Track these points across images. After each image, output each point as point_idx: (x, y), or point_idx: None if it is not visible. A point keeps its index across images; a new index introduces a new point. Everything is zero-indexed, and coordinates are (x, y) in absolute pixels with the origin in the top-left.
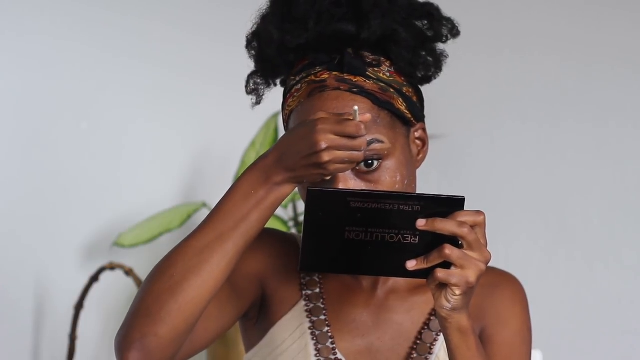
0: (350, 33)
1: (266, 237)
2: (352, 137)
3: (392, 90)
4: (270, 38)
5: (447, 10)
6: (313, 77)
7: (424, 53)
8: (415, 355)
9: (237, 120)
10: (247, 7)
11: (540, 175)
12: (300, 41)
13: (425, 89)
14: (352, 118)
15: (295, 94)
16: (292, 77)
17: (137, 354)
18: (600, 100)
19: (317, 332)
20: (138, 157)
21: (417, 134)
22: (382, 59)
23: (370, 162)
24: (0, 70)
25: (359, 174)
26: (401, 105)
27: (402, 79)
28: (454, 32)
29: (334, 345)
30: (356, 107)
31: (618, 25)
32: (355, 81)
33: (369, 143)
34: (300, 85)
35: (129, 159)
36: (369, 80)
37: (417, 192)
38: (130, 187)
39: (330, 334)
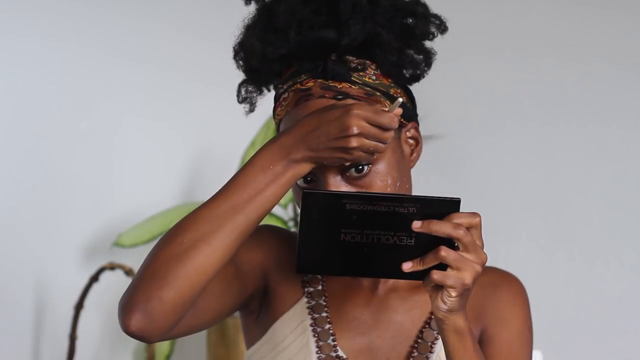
0: (331, 40)
1: (271, 233)
2: (384, 128)
3: (378, 93)
4: (253, 50)
5: (447, 12)
6: (299, 86)
7: (411, 52)
8: (416, 354)
9: (237, 120)
10: (247, 7)
11: (540, 176)
12: (282, 51)
13: (425, 89)
14: (387, 109)
15: (283, 102)
16: (280, 86)
17: (140, 316)
18: (600, 100)
19: (318, 329)
20: (138, 157)
21: (409, 134)
22: (368, 62)
23: (360, 167)
24: (1, 71)
25: (349, 180)
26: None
27: (389, 80)
28: (442, 28)
29: (335, 343)
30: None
31: (618, 26)
32: (340, 87)
33: None
34: (287, 94)
35: (128, 159)
36: (355, 86)
37: (414, 192)
38: (130, 187)
39: (331, 331)
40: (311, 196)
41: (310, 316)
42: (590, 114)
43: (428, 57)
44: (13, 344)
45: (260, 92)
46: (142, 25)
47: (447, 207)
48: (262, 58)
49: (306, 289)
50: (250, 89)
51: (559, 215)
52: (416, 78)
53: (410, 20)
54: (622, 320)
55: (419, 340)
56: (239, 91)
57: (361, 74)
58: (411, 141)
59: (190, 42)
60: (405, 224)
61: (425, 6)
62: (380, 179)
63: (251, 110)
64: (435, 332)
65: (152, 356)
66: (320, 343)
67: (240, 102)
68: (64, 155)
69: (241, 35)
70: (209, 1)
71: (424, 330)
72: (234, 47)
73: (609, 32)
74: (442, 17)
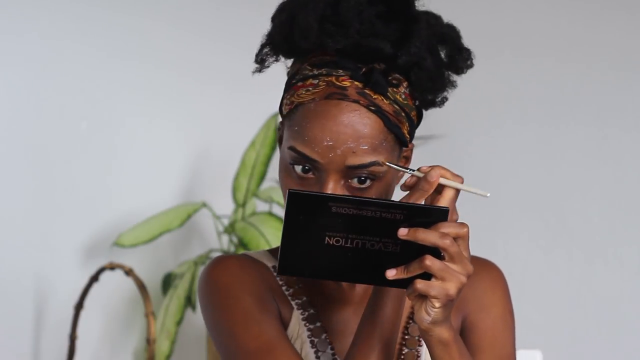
0: (386, 54)
1: (242, 270)
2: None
3: (403, 114)
4: (307, 31)
5: (447, 11)
6: (334, 80)
7: (441, 81)
8: (406, 351)
9: (237, 121)
10: (247, 8)
11: (540, 175)
12: (337, 46)
13: None
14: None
15: (311, 88)
16: (309, 67)
17: None
18: (600, 100)
19: (315, 341)
20: (138, 157)
21: (405, 154)
22: (402, 78)
23: (363, 178)
24: (1, 71)
25: (349, 188)
26: (406, 130)
27: (413, 102)
28: (469, 64)
29: (333, 351)
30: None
31: (618, 26)
32: (375, 98)
33: (370, 164)
34: (317, 80)
35: (128, 159)
36: (387, 101)
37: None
38: (130, 187)
39: (328, 340)
40: (296, 196)
41: (306, 327)
42: (590, 114)
43: (447, 88)
44: (13, 344)
45: (277, 60)
46: (143, 25)
47: (435, 215)
48: (314, 44)
49: (294, 302)
50: (268, 52)
51: (558, 214)
52: (432, 104)
53: (450, 52)
54: (622, 320)
55: (406, 336)
56: (260, 51)
57: (395, 90)
58: (404, 160)
59: (191, 42)
60: (391, 231)
61: (459, 37)
62: (377, 194)
63: (260, 70)
64: None
65: (152, 356)
66: (320, 353)
67: (256, 61)
68: (64, 154)
69: (298, 2)
70: (209, 1)
71: (408, 326)
72: (280, 7)
73: (609, 32)
74: (473, 54)
